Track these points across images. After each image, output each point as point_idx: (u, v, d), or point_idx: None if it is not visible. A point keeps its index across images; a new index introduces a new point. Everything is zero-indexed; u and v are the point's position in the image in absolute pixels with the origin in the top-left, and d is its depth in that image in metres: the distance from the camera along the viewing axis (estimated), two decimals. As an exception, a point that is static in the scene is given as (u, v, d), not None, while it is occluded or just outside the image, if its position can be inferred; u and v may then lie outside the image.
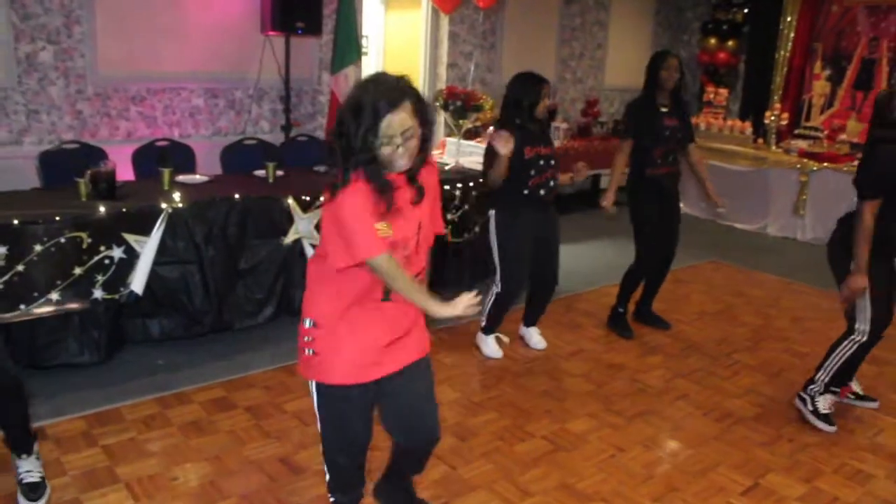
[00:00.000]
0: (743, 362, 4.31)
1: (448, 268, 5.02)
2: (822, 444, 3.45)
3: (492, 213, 3.96)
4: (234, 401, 3.48)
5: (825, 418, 3.56)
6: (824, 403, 3.60)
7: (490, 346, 4.19)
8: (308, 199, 4.22)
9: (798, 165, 7.21)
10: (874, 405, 3.82)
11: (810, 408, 3.61)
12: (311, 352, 2.15)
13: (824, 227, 7.08)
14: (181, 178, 4.31)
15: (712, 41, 8.71)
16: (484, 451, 3.20)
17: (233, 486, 2.84)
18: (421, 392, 2.30)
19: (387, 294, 2.12)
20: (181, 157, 4.79)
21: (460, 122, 5.20)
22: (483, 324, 4.19)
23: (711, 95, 8.55)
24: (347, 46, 5.88)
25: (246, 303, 4.14)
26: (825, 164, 7.09)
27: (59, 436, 3.09)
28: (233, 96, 5.74)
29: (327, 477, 2.38)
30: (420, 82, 7.30)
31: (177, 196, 3.87)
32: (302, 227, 4.22)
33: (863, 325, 3.48)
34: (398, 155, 1.96)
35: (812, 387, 3.64)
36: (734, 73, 8.80)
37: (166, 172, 4.11)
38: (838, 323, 4.75)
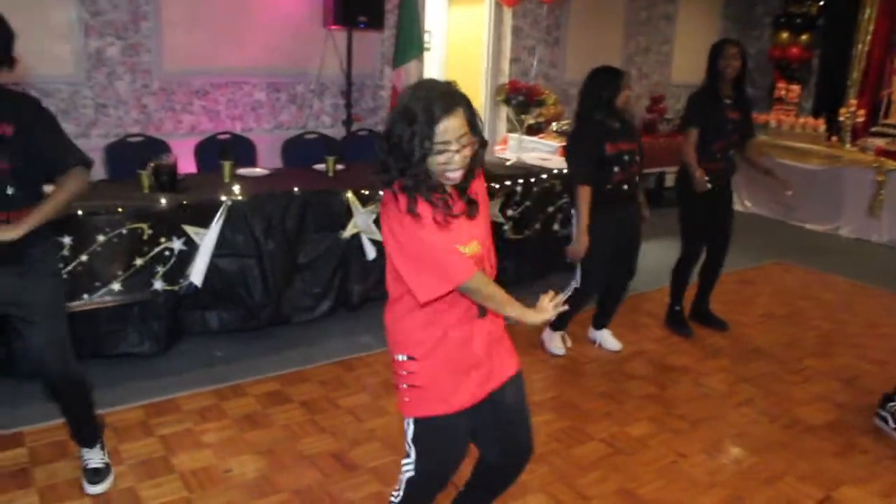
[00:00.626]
0: (813, 368, 4.13)
1: (508, 265, 4.94)
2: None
3: (574, 211, 3.83)
4: (289, 395, 3.48)
5: (914, 435, 3.38)
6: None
7: (556, 342, 4.10)
8: (367, 193, 4.20)
9: (875, 164, 6.89)
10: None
11: (893, 425, 3.41)
12: (407, 385, 2.00)
13: (902, 229, 6.80)
14: (242, 171, 4.35)
15: (784, 35, 8.40)
16: (540, 452, 3.10)
17: (286, 481, 2.82)
18: (518, 406, 2.16)
19: (483, 310, 2.01)
20: (242, 150, 4.84)
21: (523, 116, 5.12)
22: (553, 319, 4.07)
23: (783, 92, 8.24)
24: (409, 41, 5.86)
25: (303, 297, 4.15)
26: (905, 163, 6.77)
27: (116, 424, 3.13)
28: (294, 91, 5.76)
29: (401, 497, 2.14)
30: (482, 77, 7.25)
31: (236, 189, 3.89)
32: (361, 221, 4.20)
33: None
34: (454, 164, 1.84)
35: (892, 404, 3.44)
36: (807, 69, 8.47)
37: (227, 165, 4.14)
38: None
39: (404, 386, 2.01)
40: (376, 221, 4.23)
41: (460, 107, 1.84)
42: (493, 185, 4.69)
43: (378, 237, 4.24)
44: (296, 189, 4.01)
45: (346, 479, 2.86)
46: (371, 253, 4.26)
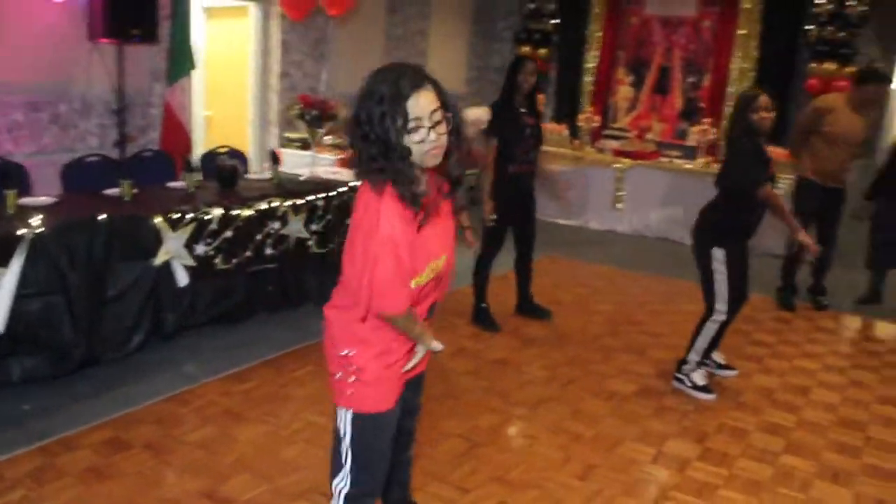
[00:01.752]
0: (610, 346, 4.62)
1: (313, 280, 4.91)
2: (700, 410, 3.79)
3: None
4: (128, 440, 3.19)
5: (704, 389, 3.93)
6: (700, 377, 3.96)
7: None
8: (177, 216, 3.97)
9: (613, 164, 7.80)
10: (734, 373, 4.25)
11: (689, 384, 3.96)
12: (354, 379, 2.01)
13: (641, 219, 7.76)
14: (24, 200, 3.89)
15: (525, 49, 9.19)
16: (407, 456, 3.18)
17: (159, 528, 2.61)
18: (417, 398, 2.39)
19: (431, 313, 2.14)
20: (12, 177, 4.31)
21: (317, 131, 5.11)
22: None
23: (528, 101, 9.02)
24: (183, 56, 5.59)
25: (115, 332, 3.81)
26: (638, 161, 7.74)
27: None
28: (57, 110, 5.23)
29: (347, 494, 2.12)
30: (250, 93, 7.09)
31: (35, 220, 3.48)
32: (171, 246, 3.96)
33: (722, 306, 3.87)
34: (430, 142, 1.82)
35: (686, 367, 3.99)
36: (547, 80, 9.33)
37: (11, 195, 3.69)
38: (675, 304, 5.29)
39: (351, 380, 2.01)
40: (187, 245, 4.03)
41: (429, 82, 1.82)
42: (296, 200, 4.66)
43: (190, 262, 4.04)
44: (101, 217, 3.68)
45: (225, 515, 2.72)
46: (183, 279, 4.03)
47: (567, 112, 9.04)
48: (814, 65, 7.50)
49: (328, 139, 6.91)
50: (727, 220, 3.82)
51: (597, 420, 3.63)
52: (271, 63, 6.98)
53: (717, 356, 4.23)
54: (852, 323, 5.45)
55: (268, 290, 4.63)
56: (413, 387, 2.27)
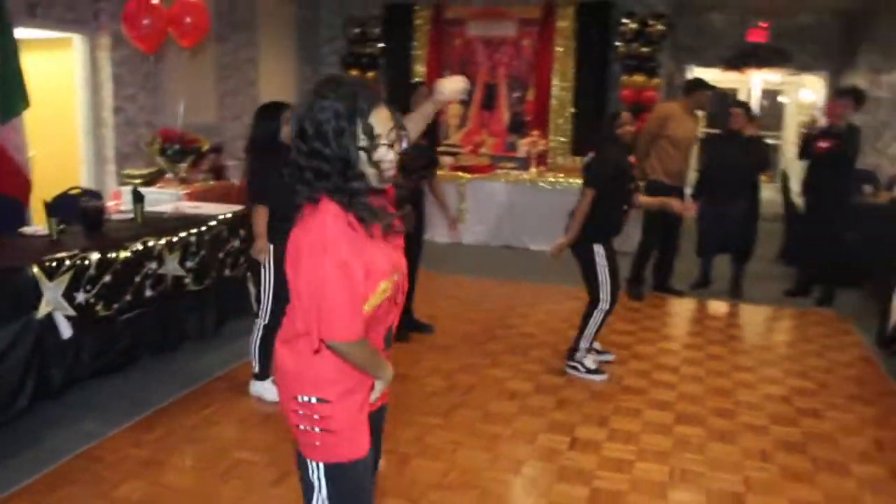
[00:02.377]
0: (494, 350, 4.88)
1: (192, 318, 4.77)
2: (594, 398, 4.14)
3: None
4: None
5: (597, 371, 4.33)
6: (591, 362, 4.33)
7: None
8: (53, 264, 3.73)
9: (460, 181, 8.12)
10: (612, 357, 4.65)
11: (583, 370, 4.32)
12: (320, 430, 1.84)
13: (485, 230, 8.15)
14: None
15: (354, 72, 9.34)
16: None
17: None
18: (380, 428, 2.14)
19: (388, 343, 1.96)
20: None
21: (179, 166, 4.97)
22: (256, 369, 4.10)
23: (362, 123, 9.18)
24: (14, 93, 5.20)
25: (-3, 395, 3.51)
26: (476, 174, 8.14)
27: None
28: None
29: None
30: (81, 130, 6.69)
31: None
32: (51, 296, 3.71)
33: (606, 296, 4.26)
34: (388, 160, 1.75)
35: (577, 354, 4.35)
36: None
37: None
38: (538, 306, 5.70)
39: (316, 430, 1.84)
40: (65, 294, 3.79)
41: (381, 99, 1.75)
42: (171, 238, 4.52)
43: (70, 312, 3.80)
44: (-26, 272, 3.40)
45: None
46: (66, 331, 3.78)
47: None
48: (625, 77, 8.29)
49: (183, 171, 6.70)
50: (601, 219, 4.21)
51: (508, 419, 3.85)
52: (103, 97, 6.63)
53: (595, 344, 4.61)
54: (693, 305, 6.11)
55: (149, 334, 4.44)
56: (381, 414, 2.11)
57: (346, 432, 1.86)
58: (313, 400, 1.84)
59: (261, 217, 3.89)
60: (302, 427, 1.87)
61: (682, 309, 6.02)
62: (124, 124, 6.76)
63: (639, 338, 5.17)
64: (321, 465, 1.87)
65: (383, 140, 1.73)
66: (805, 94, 12.04)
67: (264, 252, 3.88)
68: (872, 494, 3.22)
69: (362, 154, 1.72)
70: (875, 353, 4.97)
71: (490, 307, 5.85)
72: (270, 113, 3.89)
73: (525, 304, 5.93)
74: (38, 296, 3.66)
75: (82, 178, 6.71)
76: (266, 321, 3.98)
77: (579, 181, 7.25)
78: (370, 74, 9.40)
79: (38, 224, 4.97)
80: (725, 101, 8.64)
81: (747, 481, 3.29)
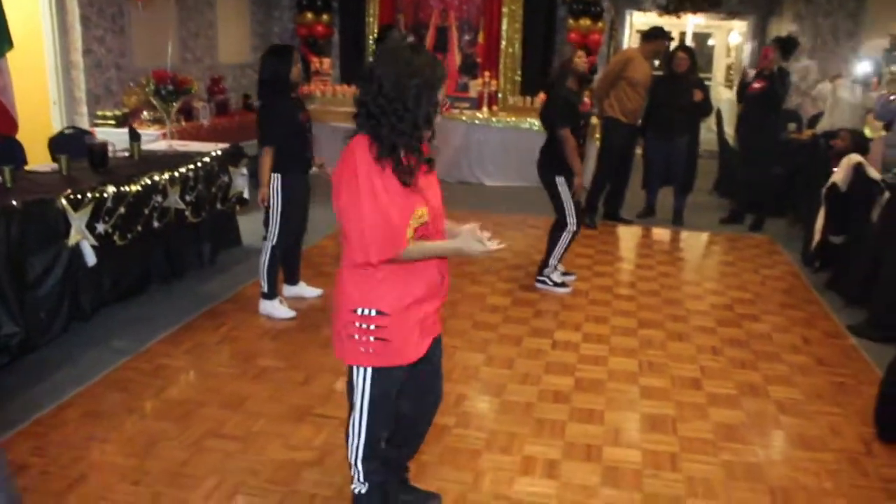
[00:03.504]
0: (472, 272, 5.37)
1: (192, 249, 5.12)
2: (566, 308, 4.71)
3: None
4: (107, 408, 3.38)
5: (562, 285, 4.91)
6: (558, 276, 4.91)
7: (281, 309, 4.49)
8: (78, 197, 4.03)
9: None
10: (574, 277, 5.22)
11: (551, 283, 4.90)
12: (375, 339, 2.09)
13: (442, 166, 8.57)
14: None
15: (308, 15, 9.53)
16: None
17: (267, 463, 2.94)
18: (439, 361, 2.40)
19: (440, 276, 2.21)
20: None
21: (172, 105, 5.23)
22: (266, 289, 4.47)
23: (318, 65, 9.42)
24: (2, 34, 5.35)
25: (38, 318, 3.83)
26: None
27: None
28: None
29: (360, 457, 2.24)
30: (51, 72, 6.79)
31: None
32: (77, 226, 4.02)
33: (572, 220, 4.80)
34: (436, 125, 2.06)
35: (546, 270, 4.92)
36: (331, 44, 9.76)
37: None
38: (506, 233, 6.16)
39: (371, 339, 2.09)
40: (88, 225, 4.10)
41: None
42: (173, 173, 4.83)
43: (93, 241, 4.12)
44: (14, 202, 3.69)
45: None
46: (91, 259, 4.10)
47: (353, 74, 9.54)
48: (571, 21, 8.75)
49: (147, 115, 6.91)
50: (556, 154, 4.72)
51: (494, 327, 4.39)
52: (72, 40, 6.73)
53: (560, 266, 5.16)
54: (641, 232, 6.73)
55: (157, 263, 4.79)
56: (435, 348, 2.32)
57: (398, 342, 2.12)
58: (373, 312, 2.09)
59: (266, 161, 4.19)
60: (356, 336, 2.11)
61: (632, 235, 6.65)
62: (94, 66, 6.88)
63: (597, 260, 5.76)
64: (368, 369, 2.14)
65: (441, 109, 2.05)
66: (733, 37, 12.74)
67: (265, 200, 4.24)
68: (802, 376, 3.89)
69: (430, 115, 2.03)
70: (801, 270, 5.69)
71: (459, 237, 6.32)
72: (281, 54, 4.21)
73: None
74: (66, 226, 3.98)
75: (53, 120, 6.84)
76: (274, 241, 4.37)
77: (531, 120, 7.84)
78: (325, 16, 9.60)
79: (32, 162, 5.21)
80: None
81: (703, 370, 3.92)
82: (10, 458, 2.75)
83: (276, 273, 4.45)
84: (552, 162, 4.79)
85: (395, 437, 2.41)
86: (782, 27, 9.83)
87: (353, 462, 2.27)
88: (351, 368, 2.18)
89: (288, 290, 4.76)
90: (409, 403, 2.35)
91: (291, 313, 4.50)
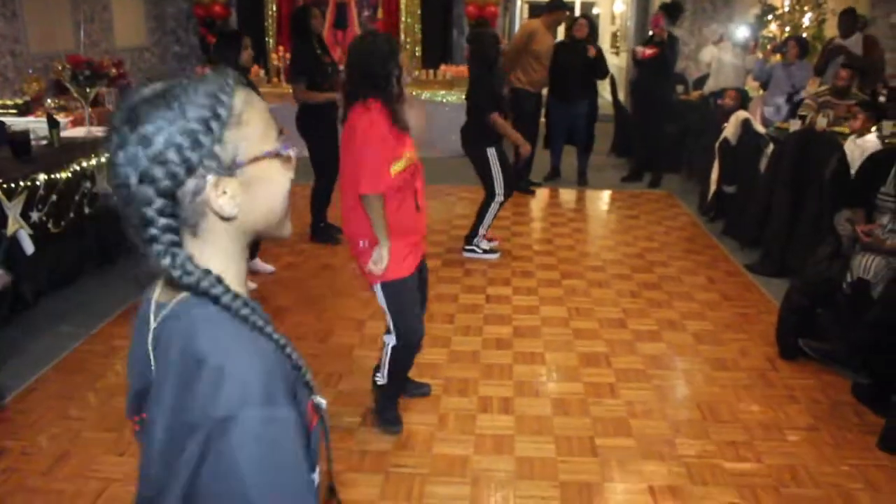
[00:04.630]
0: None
1: (121, 235, 5.13)
2: (493, 267, 5.03)
3: None
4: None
5: (491, 251, 5.21)
6: (486, 244, 5.21)
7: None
8: (11, 185, 4.02)
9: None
10: (496, 244, 5.54)
11: (480, 251, 5.18)
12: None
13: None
14: None
15: (206, -7, 9.41)
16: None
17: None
18: (425, 274, 3.19)
19: (417, 206, 2.83)
20: None
21: (89, 90, 5.18)
22: None
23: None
24: None
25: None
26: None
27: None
28: None
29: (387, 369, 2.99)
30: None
31: None
32: (13, 215, 4.02)
33: (500, 189, 5.10)
34: (404, 82, 2.73)
35: (475, 239, 5.20)
36: (228, 23, 9.67)
37: None
38: (428, 202, 6.35)
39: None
40: (21, 214, 4.10)
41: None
42: (101, 159, 4.82)
43: (28, 230, 4.12)
44: (-50, 194, 3.67)
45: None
46: (29, 248, 4.11)
47: (256, 53, 9.51)
48: (469, -6, 9.02)
49: (50, 102, 6.74)
50: (486, 128, 4.99)
51: (431, 286, 4.62)
52: (-37, 26, 6.49)
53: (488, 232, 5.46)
54: (549, 193, 7.13)
55: (91, 249, 4.80)
56: (422, 264, 3.07)
57: (393, 263, 2.76)
58: (367, 242, 2.78)
59: None
60: (366, 261, 2.79)
61: (542, 196, 7.03)
62: (-11, 53, 6.66)
63: (513, 221, 6.12)
64: (379, 284, 2.81)
65: (403, 70, 2.75)
66: (617, 6, 13.34)
67: None
68: (711, 311, 4.36)
69: (397, 74, 2.71)
70: (699, 219, 6.22)
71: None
72: (229, 40, 4.31)
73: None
74: (2, 216, 3.97)
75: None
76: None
77: (433, 92, 8.10)
78: (222, -6, 9.50)
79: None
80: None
81: (625, 311, 4.33)
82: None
83: None
84: (481, 135, 5.03)
85: None
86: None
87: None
88: (374, 289, 2.86)
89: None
90: None
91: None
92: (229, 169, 0.93)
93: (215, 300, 0.92)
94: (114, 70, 5.25)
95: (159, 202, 0.91)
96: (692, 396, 3.39)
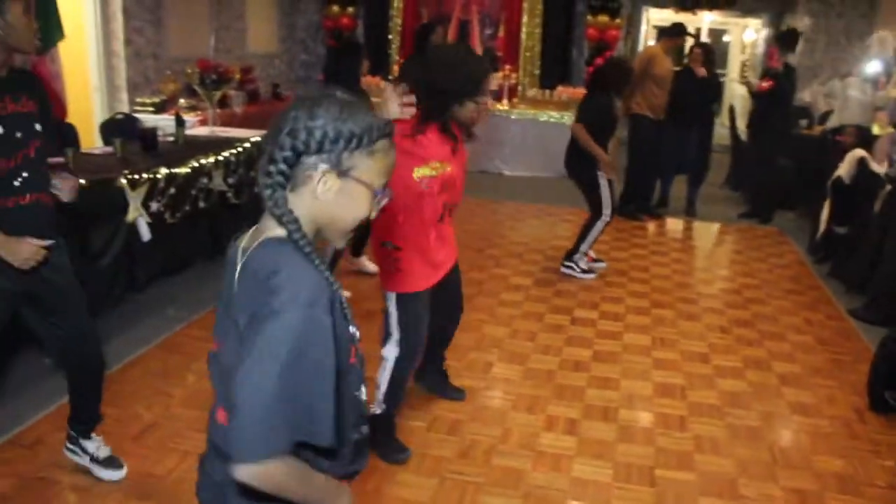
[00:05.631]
0: (495, 255, 5.70)
1: (231, 229, 5.45)
2: (584, 290, 5.03)
3: None
4: (179, 362, 3.72)
5: (589, 272, 5.20)
6: (584, 264, 5.21)
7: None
8: (135, 177, 4.37)
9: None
10: (604, 265, 5.52)
11: (578, 270, 5.20)
12: (395, 269, 2.77)
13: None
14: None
15: (335, 8, 9.85)
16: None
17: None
18: (458, 282, 3.18)
19: (442, 217, 2.80)
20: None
21: (215, 93, 5.56)
22: None
23: (343, 57, 9.72)
24: (53, 23, 5.69)
25: (100, 287, 4.19)
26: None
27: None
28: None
29: (387, 380, 2.93)
30: (94, 61, 7.14)
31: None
32: (134, 204, 4.36)
33: (608, 210, 5.10)
34: (482, 115, 2.75)
35: (575, 257, 5.22)
36: (355, 36, 10.07)
37: None
38: (521, 221, 6.48)
39: (393, 269, 2.78)
40: (143, 203, 4.44)
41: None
42: (217, 157, 5.16)
43: (147, 218, 4.46)
44: (81, 181, 4.02)
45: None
46: (146, 234, 4.44)
47: (378, 66, 9.86)
48: (590, 17, 9.03)
49: (183, 102, 7.25)
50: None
51: (518, 304, 4.71)
52: (114, 30, 7.07)
53: (593, 252, 5.46)
54: (655, 222, 7.03)
55: (202, 241, 5.14)
56: (451, 274, 3.00)
57: (411, 272, 2.77)
58: (389, 246, 2.77)
59: None
60: (385, 266, 2.81)
61: (646, 224, 6.94)
62: (134, 56, 7.23)
63: (613, 246, 6.07)
64: (394, 294, 2.81)
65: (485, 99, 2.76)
66: (748, 34, 12.97)
67: None
68: (803, 353, 4.20)
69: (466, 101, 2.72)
70: (806, 259, 5.98)
71: (480, 223, 6.65)
72: (353, 51, 4.57)
73: (510, 219, 6.77)
74: (125, 203, 4.32)
75: (95, 106, 7.20)
76: None
77: (549, 113, 8.17)
78: (350, 9, 9.92)
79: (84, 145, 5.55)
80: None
81: (711, 346, 4.24)
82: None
83: None
84: (589, 158, 5.05)
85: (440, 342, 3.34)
86: (796, 25, 10.06)
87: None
88: (385, 293, 2.86)
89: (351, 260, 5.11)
90: (442, 313, 3.10)
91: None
92: (340, 172, 1.27)
93: (289, 234, 1.25)
94: (239, 75, 5.58)
95: (288, 153, 1.25)
96: (765, 438, 3.29)
